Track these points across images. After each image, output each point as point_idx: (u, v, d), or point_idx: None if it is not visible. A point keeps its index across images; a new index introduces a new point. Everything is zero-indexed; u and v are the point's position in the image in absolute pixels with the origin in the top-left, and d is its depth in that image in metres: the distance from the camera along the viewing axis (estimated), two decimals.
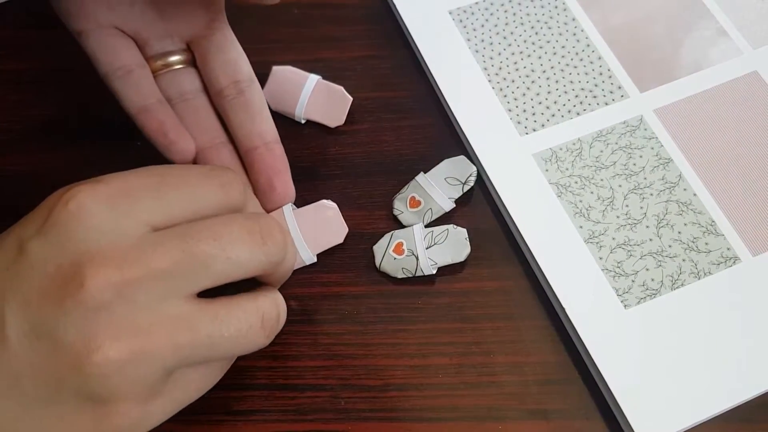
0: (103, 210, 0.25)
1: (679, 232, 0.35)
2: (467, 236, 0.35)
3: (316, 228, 0.35)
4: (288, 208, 0.35)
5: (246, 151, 0.35)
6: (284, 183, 0.35)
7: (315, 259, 0.35)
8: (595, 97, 0.39)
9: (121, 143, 0.38)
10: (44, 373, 0.24)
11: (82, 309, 0.23)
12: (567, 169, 0.37)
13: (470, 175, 0.36)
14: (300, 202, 0.36)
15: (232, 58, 0.36)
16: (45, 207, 0.25)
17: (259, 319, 0.27)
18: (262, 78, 0.39)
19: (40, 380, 0.24)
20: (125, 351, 0.24)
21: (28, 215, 0.26)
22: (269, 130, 0.36)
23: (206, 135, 0.35)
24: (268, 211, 0.35)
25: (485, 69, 0.40)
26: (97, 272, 0.23)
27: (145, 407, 0.25)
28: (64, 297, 0.23)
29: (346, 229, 0.35)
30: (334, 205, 0.35)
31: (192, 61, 0.36)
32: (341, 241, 0.35)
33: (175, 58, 0.36)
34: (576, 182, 0.36)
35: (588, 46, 0.40)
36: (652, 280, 0.34)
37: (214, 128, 0.36)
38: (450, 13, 0.41)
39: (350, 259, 0.35)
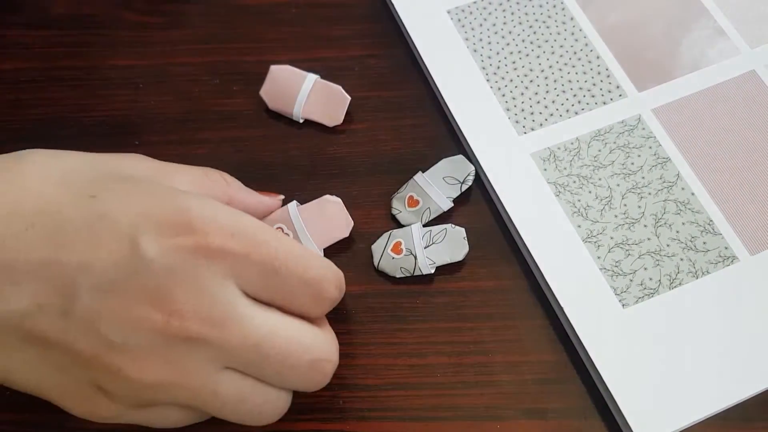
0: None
1: (677, 232, 0.35)
2: (465, 235, 0.35)
3: (322, 223, 0.35)
4: (293, 205, 0.35)
5: None
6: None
7: (322, 254, 0.35)
8: (593, 96, 0.39)
9: (121, 142, 0.38)
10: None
11: (152, 338, 0.24)
12: (565, 168, 0.37)
13: (468, 175, 0.36)
14: (299, 201, 0.36)
15: None
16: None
17: (271, 410, 0.28)
18: (261, 77, 0.39)
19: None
20: (159, 378, 0.25)
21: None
22: None
23: None
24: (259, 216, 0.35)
25: (483, 68, 0.40)
26: (182, 317, 0.24)
27: (127, 411, 0.26)
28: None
29: (352, 223, 0.35)
30: (338, 199, 0.35)
31: None
32: (347, 234, 0.35)
33: None
34: (574, 181, 0.36)
35: (586, 45, 0.40)
36: (650, 279, 0.34)
37: None
38: (448, 12, 0.41)
39: (348, 258, 0.35)
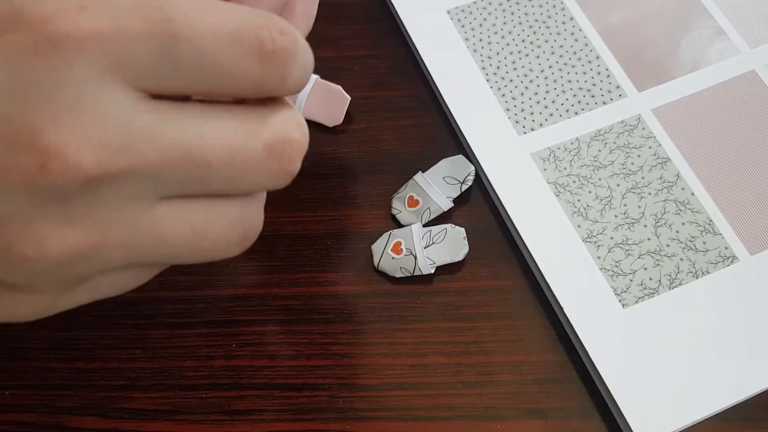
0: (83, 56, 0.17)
1: (677, 232, 0.35)
2: (465, 235, 0.35)
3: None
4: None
5: None
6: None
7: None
8: (593, 96, 0.39)
9: None
10: None
11: (33, 194, 0.17)
12: (565, 168, 0.37)
13: (468, 175, 0.36)
14: (297, 202, 0.36)
15: None
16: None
17: (241, 232, 0.20)
18: None
19: None
20: (69, 247, 0.18)
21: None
22: None
23: None
24: None
25: (483, 68, 0.40)
26: (65, 155, 0.16)
27: (56, 298, 0.20)
28: (15, 177, 0.16)
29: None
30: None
31: None
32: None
33: None
34: (574, 181, 0.36)
35: (586, 45, 0.40)
36: (650, 279, 0.34)
37: None
38: (448, 12, 0.41)
39: (348, 258, 0.35)
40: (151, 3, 0.17)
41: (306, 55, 0.19)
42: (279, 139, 0.19)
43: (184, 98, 0.18)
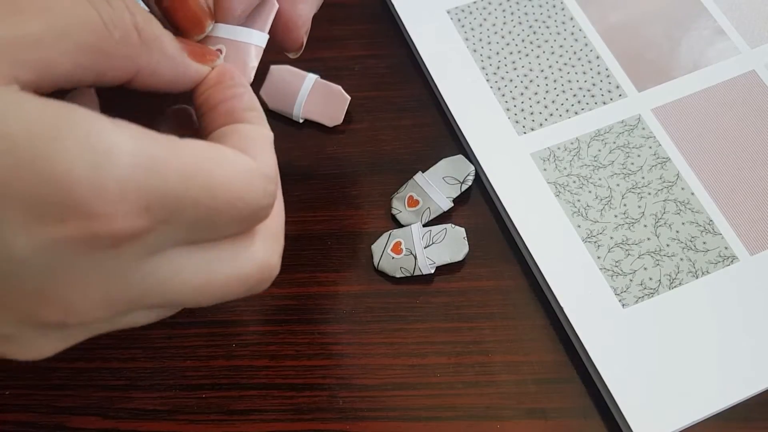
0: None
1: (677, 231, 0.35)
2: (465, 235, 0.35)
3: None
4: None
5: None
6: None
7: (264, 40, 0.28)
8: (593, 96, 0.39)
9: None
10: None
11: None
12: (565, 168, 0.37)
13: (468, 175, 0.36)
14: (297, 201, 0.36)
15: None
16: None
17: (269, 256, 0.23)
18: (260, 77, 0.39)
19: None
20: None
21: None
22: None
23: None
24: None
25: (483, 68, 0.40)
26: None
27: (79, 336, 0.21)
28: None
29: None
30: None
31: None
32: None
33: None
34: (574, 181, 0.36)
35: (586, 45, 0.40)
36: (650, 279, 0.34)
37: None
38: (448, 12, 0.41)
39: (348, 258, 0.35)
40: (190, 188, 0.19)
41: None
42: (266, 269, 0.22)
43: None
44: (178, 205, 0.19)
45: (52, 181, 0.16)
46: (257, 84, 0.39)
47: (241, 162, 0.21)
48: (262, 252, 0.22)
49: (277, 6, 0.27)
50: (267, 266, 0.22)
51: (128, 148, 0.18)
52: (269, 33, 0.27)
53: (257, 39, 0.27)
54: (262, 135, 0.23)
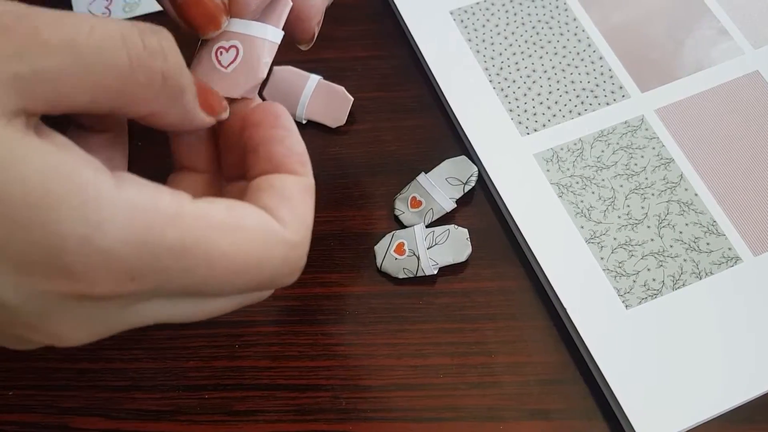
0: None
1: (681, 232, 0.35)
2: (468, 236, 0.35)
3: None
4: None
5: None
6: None
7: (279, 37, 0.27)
8: (596, 97, 0.39)
9: None
10: None
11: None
12: (568, 169, 0.37)
13: (471, 176, 0.36)
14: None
15: None
16: None
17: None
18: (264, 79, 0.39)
19: None
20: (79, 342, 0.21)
21: None
22: None
23: None
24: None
25: (486, 69, 0.40)
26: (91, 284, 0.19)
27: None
28: None
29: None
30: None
31: None
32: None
33: None
34: (577, 182, 0.36)
35: (589, 45, 0.40)
36: (654, 280, 0.34)
37: None
38: (451, 13, 0.41)
39: (351, 259, 0.35)
40: (190, 270, 0.19)
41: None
42: (283, 270, 0.22)
43: None
44: (168, 276, 0.19)
45: (43, 246, 0.17)
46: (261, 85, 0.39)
47: (261, 230, 0.21)
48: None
49: (291, 3, 0.27)
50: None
51: (121, 220, 0.18)
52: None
53: (272, 35, 0.26)
54: (301, 188, 0.23)
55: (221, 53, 0.26)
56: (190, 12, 0.25)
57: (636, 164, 0.37)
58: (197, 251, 0.19)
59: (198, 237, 0.19)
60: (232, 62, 0.26)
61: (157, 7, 0.42)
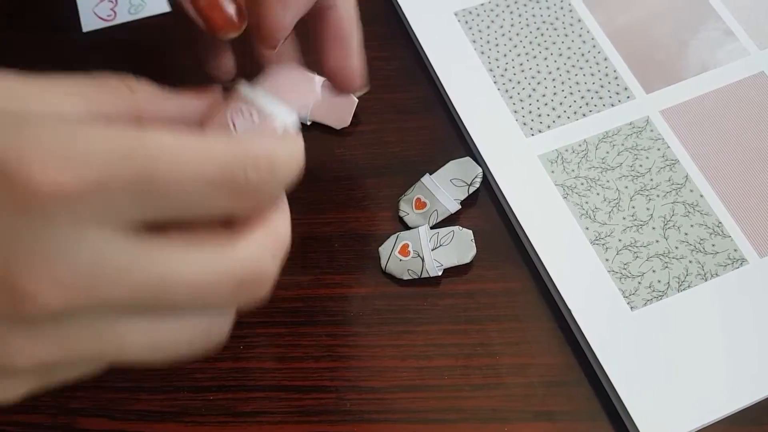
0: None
1: (686, 234, 0.35)
2: (473, 238, 0.35)
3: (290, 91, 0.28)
4: (243, 84, 0.27)
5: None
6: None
7: (308, 122, 0.29)
8: (601, 98, 0.39)
9: None
10: None
11: (8, 321, 0.19)
12: (573, 170, 0.36)
13: (476, 177, 0.36)
14: (304, 204, 0.36)
15: None
16: None
17: (204, 341, 0.22)
18: None
19: None
20: (36, 359, 0.20)
21: None
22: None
23: None
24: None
25: (491, 70, 0.40)
26: (34, 296, 0.18)
27: (27, 389, 0.21)
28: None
29: (320, 78, 0.31)
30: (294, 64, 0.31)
31: None
32: (319, 94, 0.31)
33: None
34: (582, 184, 0.36)
35: (594, 47, 0.40)
36: (659, 281, 0.34)
37: None
38: (455, 14, 0.41)
39: (356, 260, 0.35)
40: (131, 154, 0.18)
41: (285, 167, 0.21)
42: (250, 272, 0.21)
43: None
44: (106, 160, 0.18)
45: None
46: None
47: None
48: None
49: (319, 98, 0.28)
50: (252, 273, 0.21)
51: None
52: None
53: (289, 120, 0.26)
54: None
55: (237, 116, 0.25)
56: (212, 15, 0.26)
57: (641, 165, 0.36)
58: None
59: None
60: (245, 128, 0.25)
61: (162, 9, 0.42)
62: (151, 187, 0.19)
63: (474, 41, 0.40)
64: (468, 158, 0.37)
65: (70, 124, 0.18)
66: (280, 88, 0.27)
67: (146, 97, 0.24)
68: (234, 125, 0.24)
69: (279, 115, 0.25)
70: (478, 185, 0.36)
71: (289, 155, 0.21)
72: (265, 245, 0.22)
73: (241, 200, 0.20)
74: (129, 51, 0.42)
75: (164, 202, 0.19)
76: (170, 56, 0.41)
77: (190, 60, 0.32)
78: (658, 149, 0.37)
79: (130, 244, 0.19)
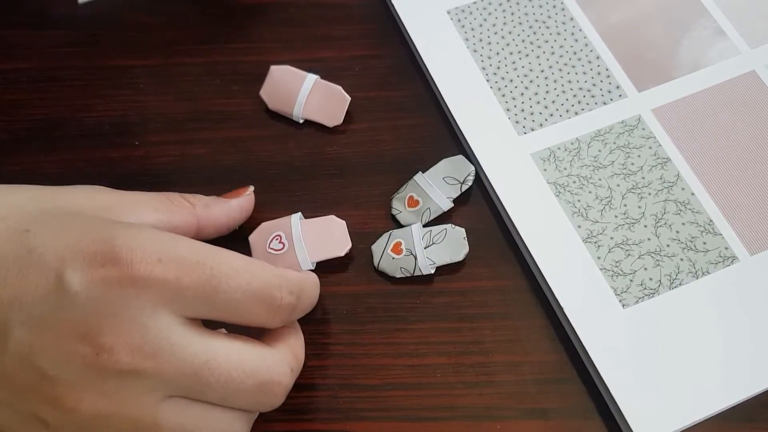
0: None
1: (677, 232, 0.35)
2: (465, 236, 0.35)
3: (321, 239, 0.34)
4: (296, 217, 0.34)
5: None
6: None
7: (312, 266, 0.34)
8: (593, 96, 0.39)
9: (121, 143, 0.38)
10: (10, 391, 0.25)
11: (86, 369, 0.24)
12: (565, 168, 0.37)
13: (468, 175, 0.36)
14: (297, 202, 0.36)
15: None
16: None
17: (242, 425, 0.28)
18: (261, 78, 0.39)
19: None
20: (95, 410, 0.25)
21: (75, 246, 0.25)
22: None
23: None
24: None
25: (483, 68, 0.40)
26: (112, 351, 0.24)
27: None
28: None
29: (350, 245, 0.34)
30: (343, 221, 0.35)
31: None
32: (342, 254, 0.34)
33: None
34: (574, 182, 0.36)
35: (586, 45, 0.40)
36: (651, 279, 0.34)
37: None
38: (448, 12, 0.41)
39: (348, 258, 0.35)
40: (204, 263, 0.25)
41: (308, 298, 0.29)
42: (270, 381, 0.27)
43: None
44: (186, 265, 0.26)
45: (102, 240, 0.25)
46: (258, 84, 0.39)
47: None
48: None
49: (340, 254, 0.34)
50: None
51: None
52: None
53: (304, 264, 0.34)
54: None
55: (274, 241, 0.34)
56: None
57: (633, 164, 0.37)
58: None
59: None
60: (278, 250, 0.34)
61: None
62: (213, 290, 0.25)
63: (467, 39, 0.40)
64: (461, 156, 0.37)
65: (162, 233, 0.26)
66: (317, 236, 0.34)
67: (201, 207, 0.32)
68: (271, 247, 0.34)
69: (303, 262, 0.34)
70: (470, 183, 0.36)
71: (313, 287, 0.29)
72: (286, 360, 0.28)
73: (275, 314, 0.27)
74: (127, 18, 0.41)
75: (218, 304, 0.25)
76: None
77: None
78: (650, 147, 0.37)
79: (188, 329, 0.25)
